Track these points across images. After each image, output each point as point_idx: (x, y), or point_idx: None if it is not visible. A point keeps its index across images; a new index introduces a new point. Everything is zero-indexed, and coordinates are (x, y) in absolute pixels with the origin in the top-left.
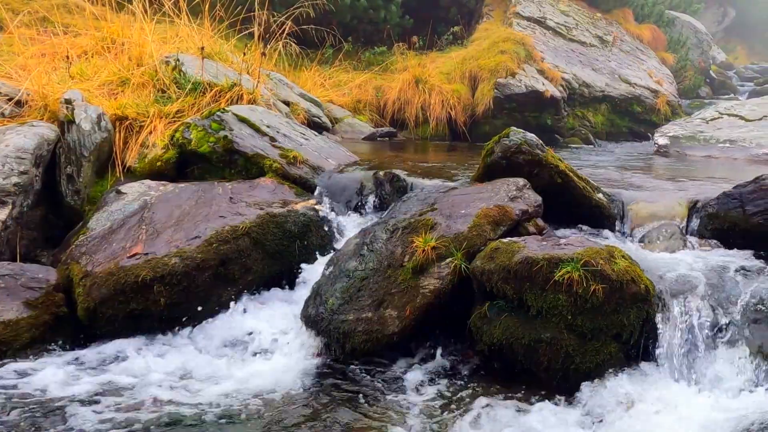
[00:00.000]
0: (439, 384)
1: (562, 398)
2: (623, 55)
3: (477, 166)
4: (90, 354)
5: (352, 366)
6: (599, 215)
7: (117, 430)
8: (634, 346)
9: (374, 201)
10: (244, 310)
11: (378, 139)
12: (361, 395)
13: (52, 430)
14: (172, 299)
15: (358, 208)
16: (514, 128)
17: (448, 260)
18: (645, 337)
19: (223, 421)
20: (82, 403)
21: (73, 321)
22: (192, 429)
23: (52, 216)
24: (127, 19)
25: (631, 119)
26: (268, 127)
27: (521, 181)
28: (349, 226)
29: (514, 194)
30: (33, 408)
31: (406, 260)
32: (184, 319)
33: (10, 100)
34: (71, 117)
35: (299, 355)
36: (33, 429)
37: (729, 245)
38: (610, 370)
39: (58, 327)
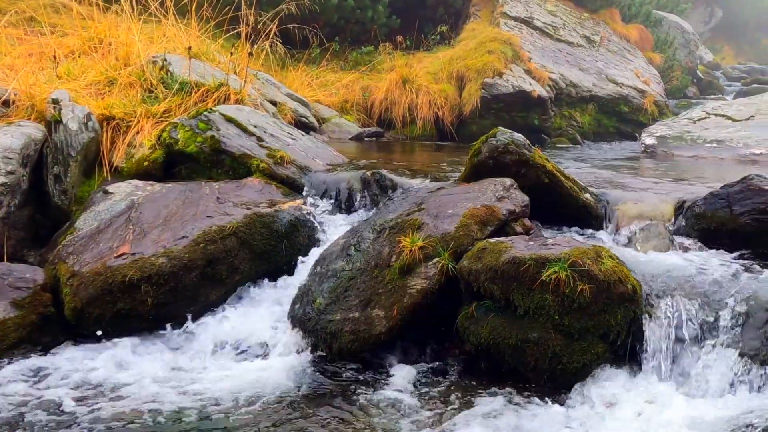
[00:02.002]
0: (426, 384)
1: (550, 398)
2: (610, 55)
3: (464, 166)
4: (77, 354)
5: (340, 366)
6: (586, 215)
7: (103, 429)
8: (622, 346)
9: (361, 201)
10: (232, 310)
11: (365, 139)
12: (348, 395)
13: (39, 430)
14: (160, 299)
15: (346, 208)
16: (501, 128)
17: (435, 260)
18: (632, 338)
19: (209, 420)
20: (69, 403)
21: (61, 321)
22: (177, 428)
23: (39, 216)
24: (114, 19)
25: (618, 119)
26: (255, 127)
27: (508, 181)
28: (337, 226)
29: (501, 194)
30: (20, 408)
31: (393, 260)
32: (171, 319)
33: None
34: (58, 117)
35: (286, 355)
36: (20, 429)
37: (716, 245)
38: (598, 370)
39: (45, 327)
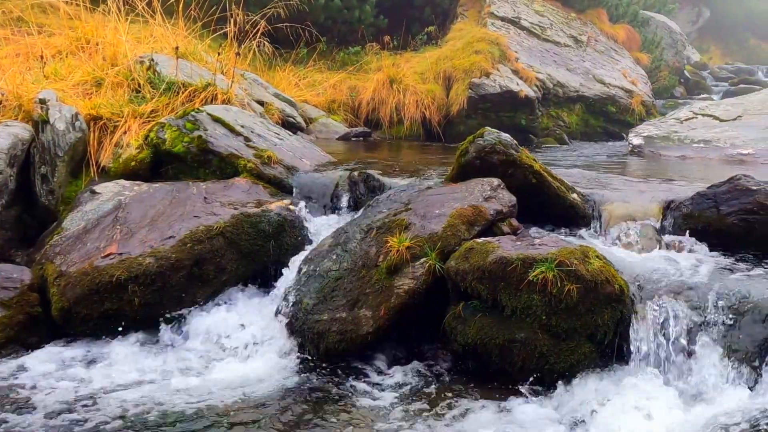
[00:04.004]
0: (413, 384)
1: (537, 398)
2: (598, 55)
3: (451, 166)
4: (64, 354)
5: (326, 366)
6: (574, 215)
7: (90, 429)
8: (609, 347)
9: (349, 201)
10: (218, 310)
11: (352, 139)
12: (334, 396)
13: (26, 429)
14: (147, 299)
15: (333, 208)
16: (489, 128)
17: (422, 260)
18: (619, 338)
19: (194, 420)
20: (56, 402)
21: (48, 321)
22: (161, 428)
23: (26, 216)
24: (101, 19)
25: (605, 119)
26: (242, 126)
27: (496, 181)
28: (324, 226)
29: (488, 194)
30: (6, 408)
31: (381, 260)
32: (158, 319)
33: None
34: (46, 117)
35: (273, 355)
36: (6, 428)
37: (703, 245)
38: (585, 371)
39: (32, 327)
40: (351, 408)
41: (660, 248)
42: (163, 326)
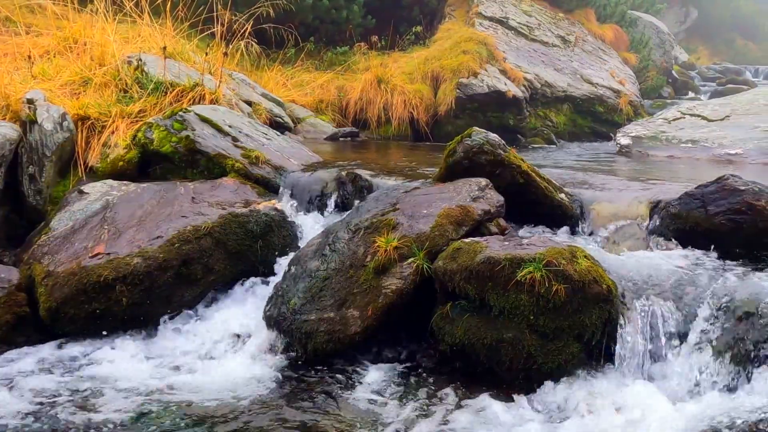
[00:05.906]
0: (401, 384)
1: (524, 398)
2: (585, 55)
3: (439, 166)
4: (52, 354)
5: (314, 366)
6: (561, 215)
7: (79, 429)
8: (596, 347)
9: (336, 201)
10: (207, 310)
11: (340, 139)
12: (322, 396)
13: (15, 428)
14: (134, 299)
15: (321, 208)
16: (477, 128)
17: (410, 260)
18: (607, 338)
19: (180, 421)
20: (44, 402)
21: (36, 321)
22: (150, 429)
23: (14, 216)
24: (89, 18)
25: (593, 119)
26: (230, 127)
27: (483, 181)
28: (312, 226)
29: (476, 194)
30: None
31: (369, 260)
32: (146, 319)
33: None
34: (33, 117)
35: (261, 355)
36: None
37: (691, 245)
38: (572, 371)
39: (19, 327)
40: (338, 408)
41: (648, 248)
42: (150, 326)
